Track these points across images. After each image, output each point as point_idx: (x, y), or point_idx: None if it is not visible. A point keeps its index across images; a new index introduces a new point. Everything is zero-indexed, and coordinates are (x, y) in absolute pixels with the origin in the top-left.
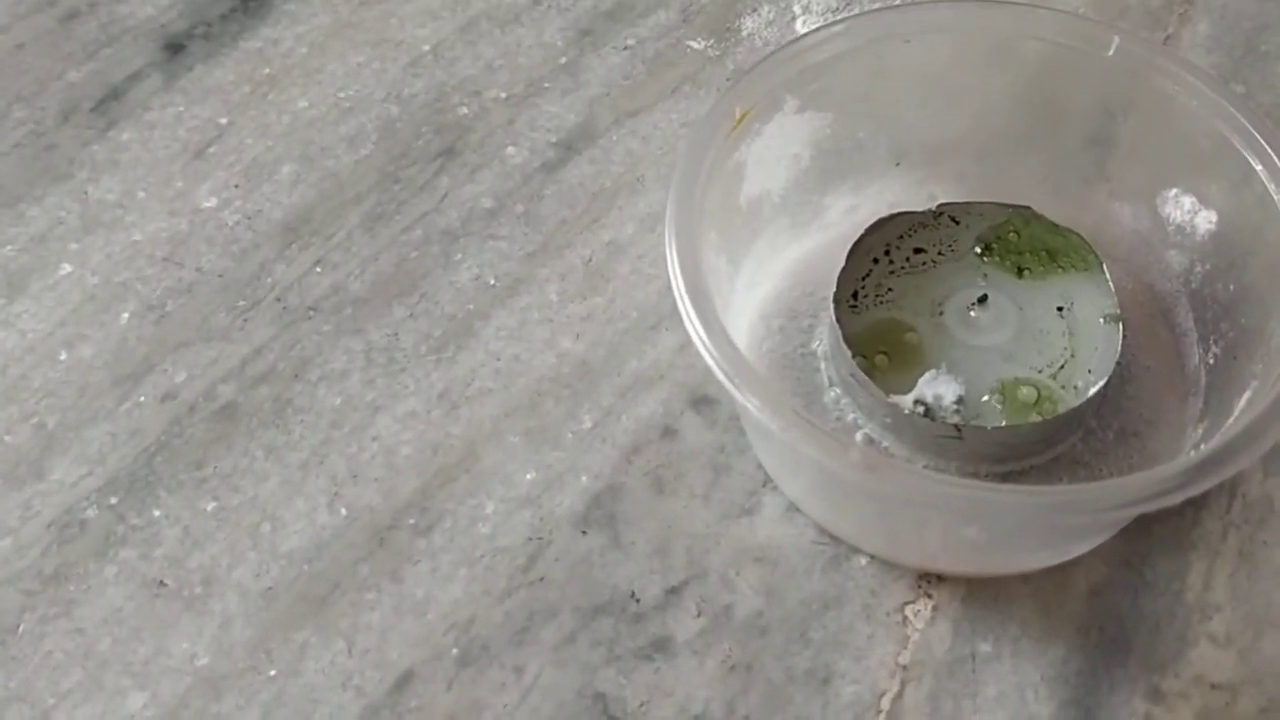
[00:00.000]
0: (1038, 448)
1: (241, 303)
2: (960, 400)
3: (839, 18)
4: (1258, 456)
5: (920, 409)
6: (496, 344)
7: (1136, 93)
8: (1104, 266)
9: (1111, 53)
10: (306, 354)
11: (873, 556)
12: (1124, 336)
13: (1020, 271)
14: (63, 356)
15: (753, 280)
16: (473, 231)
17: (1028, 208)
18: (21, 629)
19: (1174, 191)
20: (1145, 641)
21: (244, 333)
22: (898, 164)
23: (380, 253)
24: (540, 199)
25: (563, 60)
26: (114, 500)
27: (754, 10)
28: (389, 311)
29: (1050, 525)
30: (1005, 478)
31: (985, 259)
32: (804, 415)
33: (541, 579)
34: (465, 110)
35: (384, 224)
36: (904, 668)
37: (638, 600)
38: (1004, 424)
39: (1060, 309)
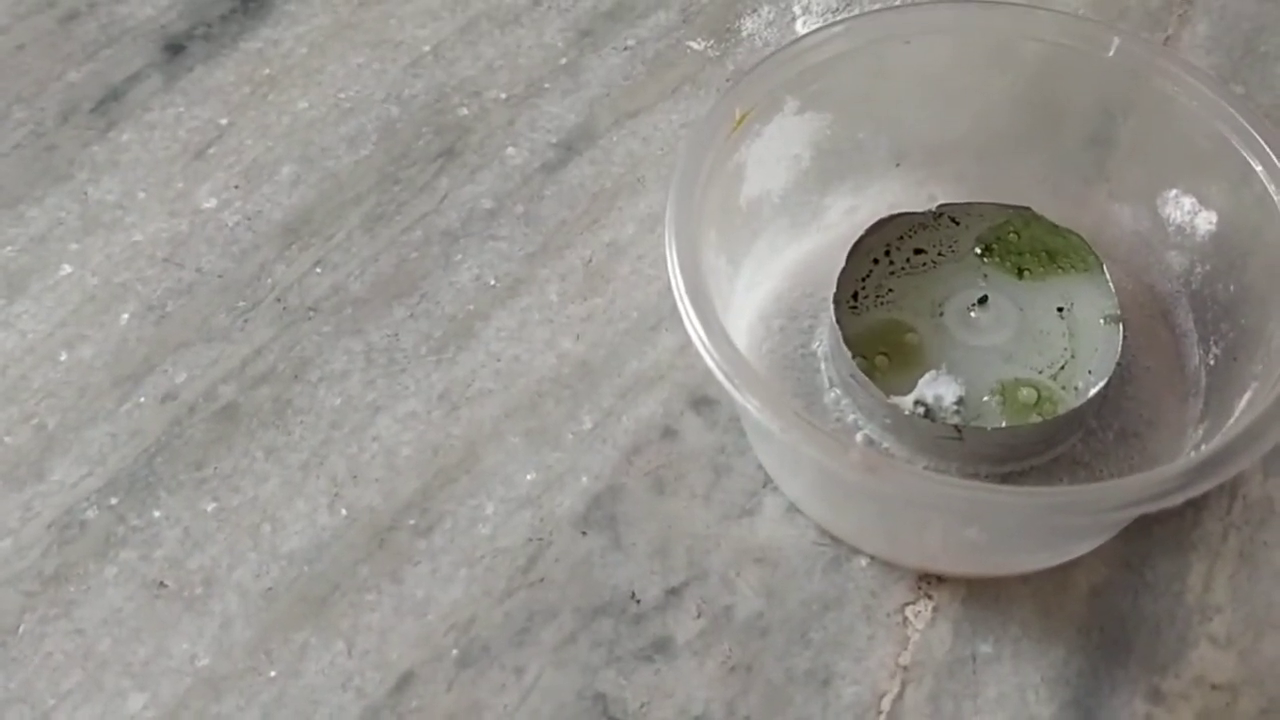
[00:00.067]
0: (1038, 449)
1: (242, 303)
2: (960, 401)
3: (839, 18)
4: (1258, 457)
5: (920, 410)
6: (497, 345)
7: (1136, 93)
8: (1104, 267)
9: (1111, 54)
10: (307, 354)
11: (873, 557)
12: (1124, 337)
13: (1020, 272)
14: (63, 357)
15: (753, 281)
16: (473, 232)
17: (1028, 208)
18: (21, 630)
19: (1174, 192)
20: (1146, 642)
21: (244, 333)
22: (898, 165)
23: (380, 253)
24: (540, 199)
25: (563, 61)
26: (114, 501)
27: (754, 11)
28: (389, 312)
29: (1050, 526)
30: (1005, 479)
31: (985, 260)
32: (804, 416)
33: (542, 580)
34: (465, 111)
35: (384, 224)
36: (904, 668)
37: (638, 601)
38: (1004, 425)
39: (1060, 310)
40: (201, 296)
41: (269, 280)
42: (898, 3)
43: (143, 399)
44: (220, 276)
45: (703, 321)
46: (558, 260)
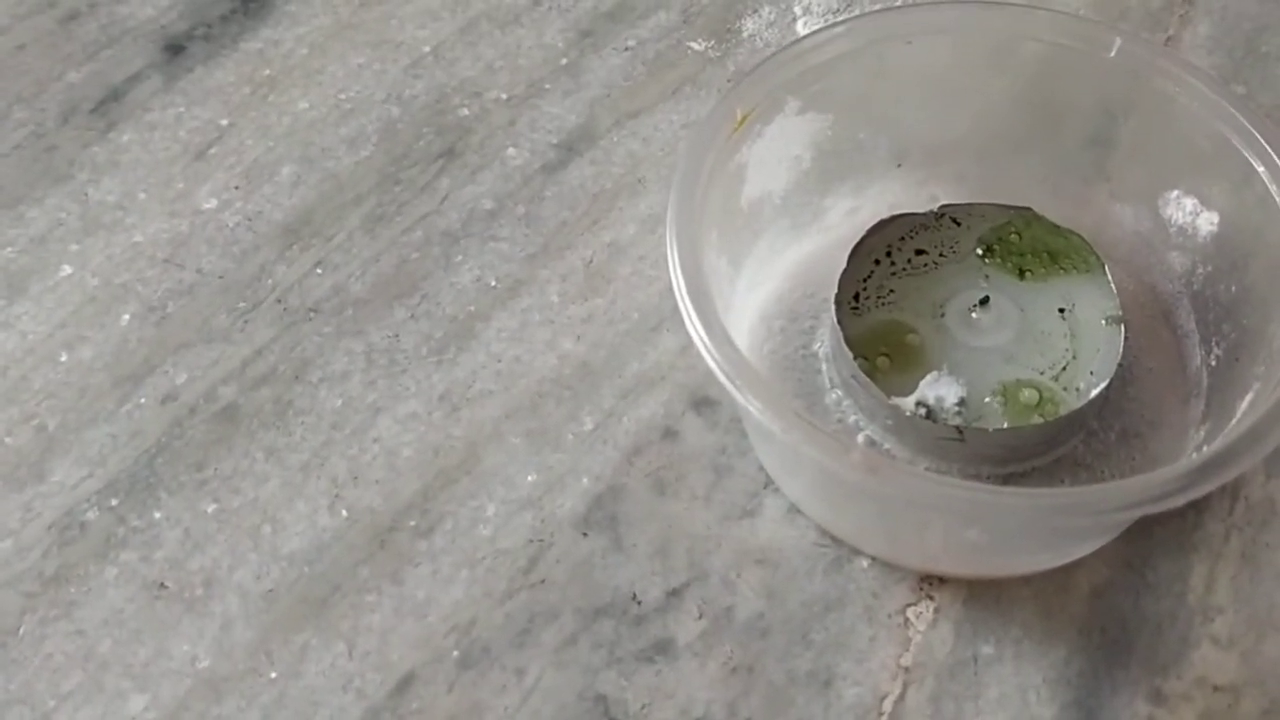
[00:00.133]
0: (1039, 450)
1: (242, 304)
2: (962, 402)
3: (840, 19)
4: (1260, 459)
5: (922, 411)
6: (497, 345)
7: (1137, 94)
8: (1105, 268)
9: (1113, 54)
10: (307, 355)
11: (874, 558)
12: (1126, 338)
13: (1022, 273)
14: (63, 358)
15: (754, 282)
16: (473, 233)
17: (1029, 209)
18: (22, 631)
19: (1175, 193)
20: (1147, 643)
21: (244, 334)
22: (899, 165)
23: (381, 254)
24: (541, 200)
25: (563, 61)
26: (114, 502)
27: (755, 11)
28: (390, 313)
29: (1052, 527)
30: (1007, 480)
31: (987, 260)
32: (805, 417)
33: (542, 581)
34: (466, 111)
35: (384, 225)
36: (906, 670)
37: (639, 602)
38: (1005, 426)
39: (1062, 310)
40: (202, 297)
41: (269, 281)
42: (899, 3)
43: (143, 400)
44: (221, 277)
45: (704, 322)
46: (558, 261)
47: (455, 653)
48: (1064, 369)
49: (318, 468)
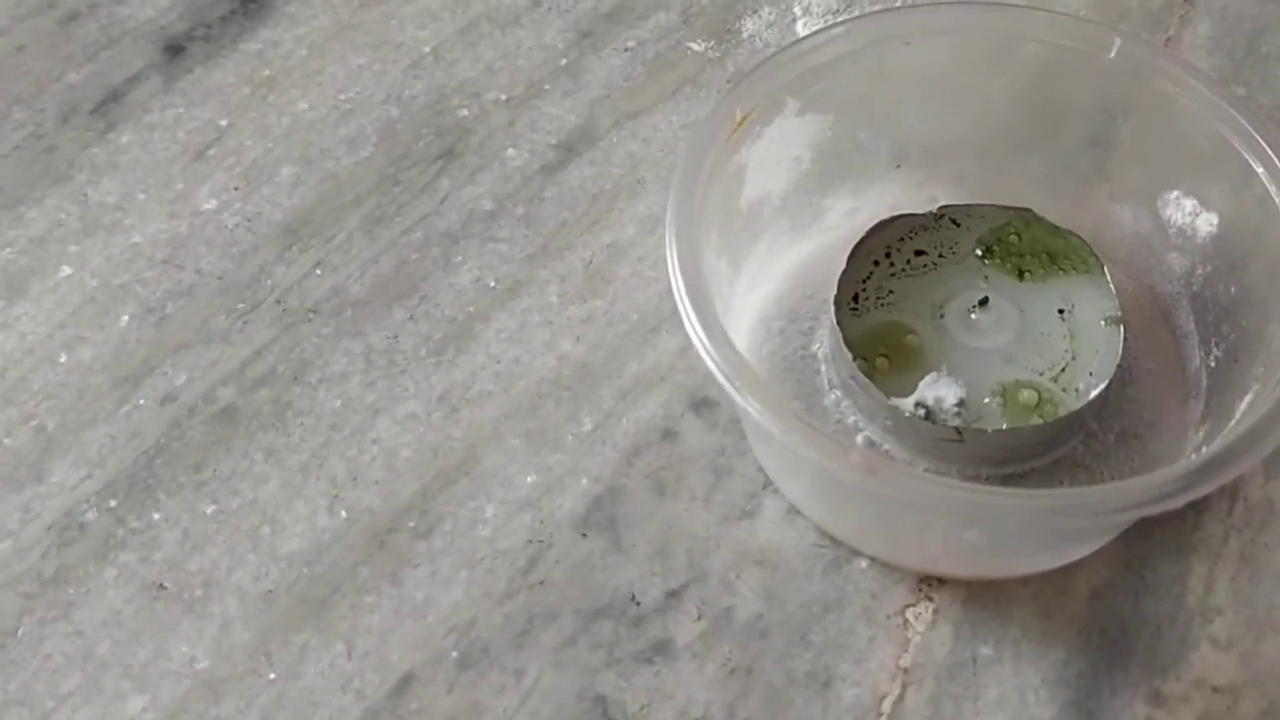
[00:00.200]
0: (1039, 450)
1: (241, 305)
2: (961, 403)
3: (839, 20)
4: (1259, 460)
5: (921, 412)
6: (497, 346)
7: (1137, 94)
8: (1105, 269)
9: (1112, 55)
10: (306, 356)
11: (873, 559)
12: (1125, 339)
13: (1021, 274)
14: (62, 359)
15: (753, 283)
16: (473, 233)
17: (1028, 210)
18: (21, 632)
19: (1174, 193)
20: (1146, 644)
21: (244, 335)
22: (898, 166)
23: (380, 255)
24: (540, 201)
25: (563, 62)
26: (113, 503)
27: (754, 12)
28: (389, 314)
29: (1051, 528)
30: (1006, 481)
31: (986, 261)
32: (804, 418)
33: (542, 582)
34: (465, 112)
35: (384, 226)
36: (905, 670)
37: (638, 603)
38: (1005, 427)
39: (1061, 311)
40: (201, 298)
41: (269, 282)
42: (898, 4)
43: (142, 401)
44: (220, 278)
45: (703, 323)
46: (558, 262)
47: (454, 653)
48: (1063, 370)
49: (317, 469)
